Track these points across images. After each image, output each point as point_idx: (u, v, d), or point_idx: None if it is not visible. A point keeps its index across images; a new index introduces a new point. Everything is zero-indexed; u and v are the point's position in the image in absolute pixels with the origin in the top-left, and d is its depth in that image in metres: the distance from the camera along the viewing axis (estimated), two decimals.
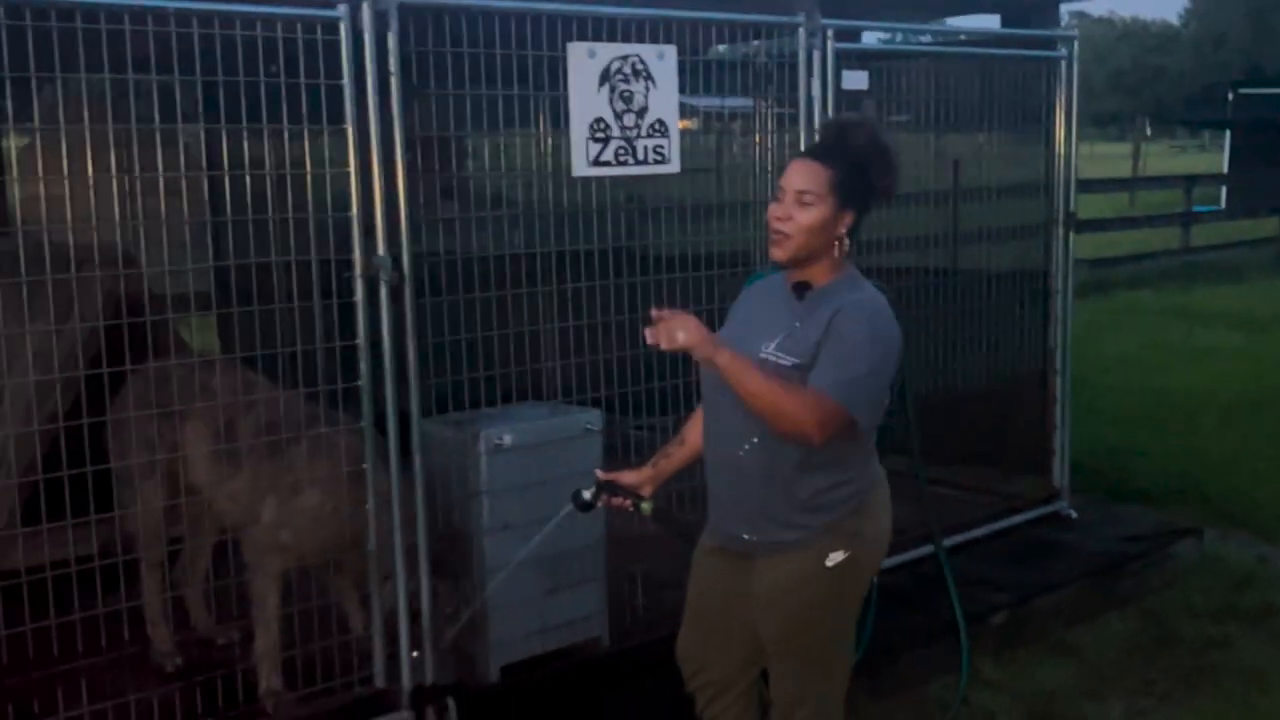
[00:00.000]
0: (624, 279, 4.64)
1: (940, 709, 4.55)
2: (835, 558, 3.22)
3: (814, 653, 3.35)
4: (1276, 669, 4.96)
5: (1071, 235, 6.09)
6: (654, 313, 3.12)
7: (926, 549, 4.71)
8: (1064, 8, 6.64)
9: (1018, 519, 6.09)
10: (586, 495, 3.54)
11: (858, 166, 3.18)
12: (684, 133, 4.85)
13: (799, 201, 3.14)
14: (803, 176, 3.16)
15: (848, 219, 3.19)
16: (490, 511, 4.29)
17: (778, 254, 3.19)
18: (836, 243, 3.20)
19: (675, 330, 3.06)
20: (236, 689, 4.03)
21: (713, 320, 3.47)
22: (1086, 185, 19.56)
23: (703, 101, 5.42)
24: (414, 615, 4.10)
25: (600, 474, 3.55)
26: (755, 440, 3.19)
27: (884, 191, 3.26)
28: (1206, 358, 10.60)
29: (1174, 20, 72.92)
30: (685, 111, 5.65)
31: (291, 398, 4.25)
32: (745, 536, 3.32)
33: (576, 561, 4.49)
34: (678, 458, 3.56)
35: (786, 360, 3.13)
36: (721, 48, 6.04)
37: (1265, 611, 5.57)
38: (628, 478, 3.53)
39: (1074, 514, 6.25)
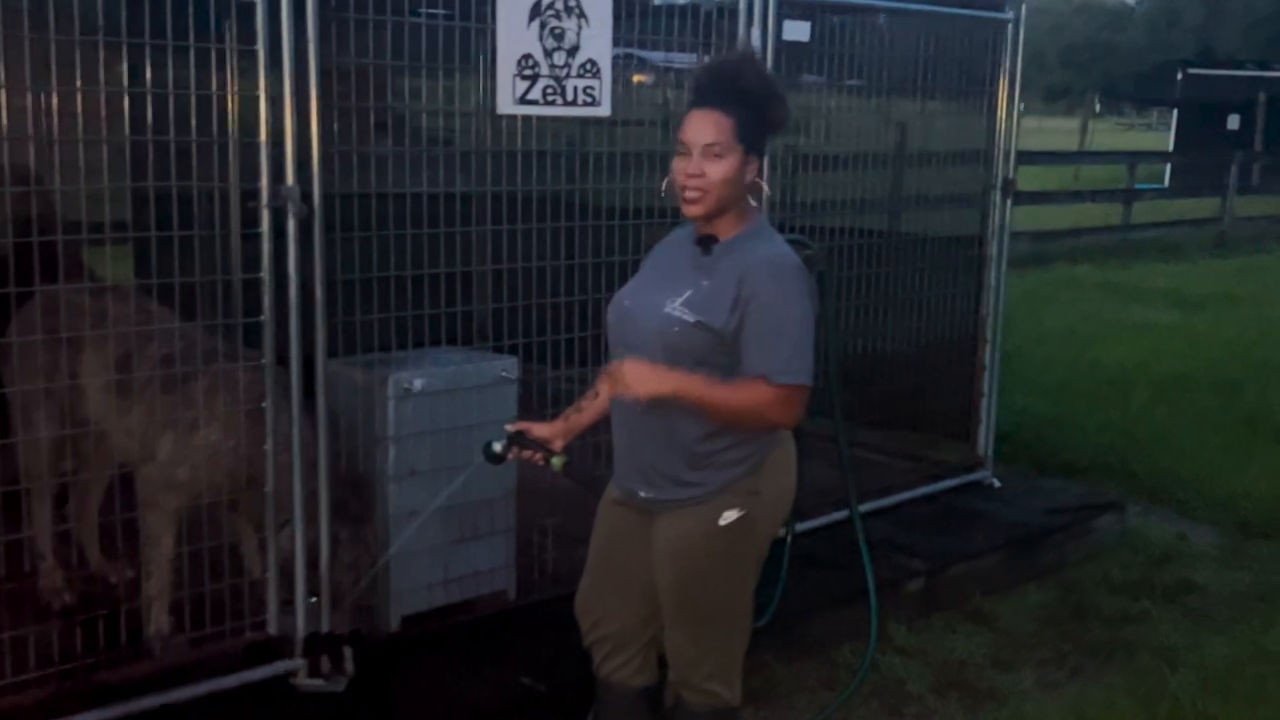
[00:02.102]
0: (548, 224, 4.50)
1: (850, 673, 4.49)
2: (730, 516, 3.14)
3: (709, 612, 3.25)
4: (1188, 645, 4.95)
5: (1009, 204, 6.00)
6: (605, 373, 3.11)
7: (846, 512, 4.63)
8: None
9: (940, 486, 6.04)
10: (497, 447, 3.42)
11: (754, 108, 3.07)
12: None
13: (708, 155, 3.03)
14: (708, 128, 3.03)
15: (754, 165, 3.09)
16: (396, 458, 4.16)
17: (694, 211, 3.09)
18: (748, 191, 3.12)
19: (630, 383, 2.98)
20: (122, 630, 3.88)
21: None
22: (1030, 157, 19.63)
23: (655, 55, 5.27)
24: (312, 561, 3.96)
25: (510, 426, 3.42)
26: None
27: (775, 127, 3.16)
28: (1141, 334, 10.62)
29: None
30: (639, 66, 5.51)
31: (192, 330, 4.08)
32: (642, 494, 3.23)
33: (485, 512, 4.37)
34: (590, 411, 3.44)
35: (690, 317, 3.05)
36: None
37: (1181, 588, 5.56)
38: (539, 430, 3.41)
39: (997, 483, 6.21)
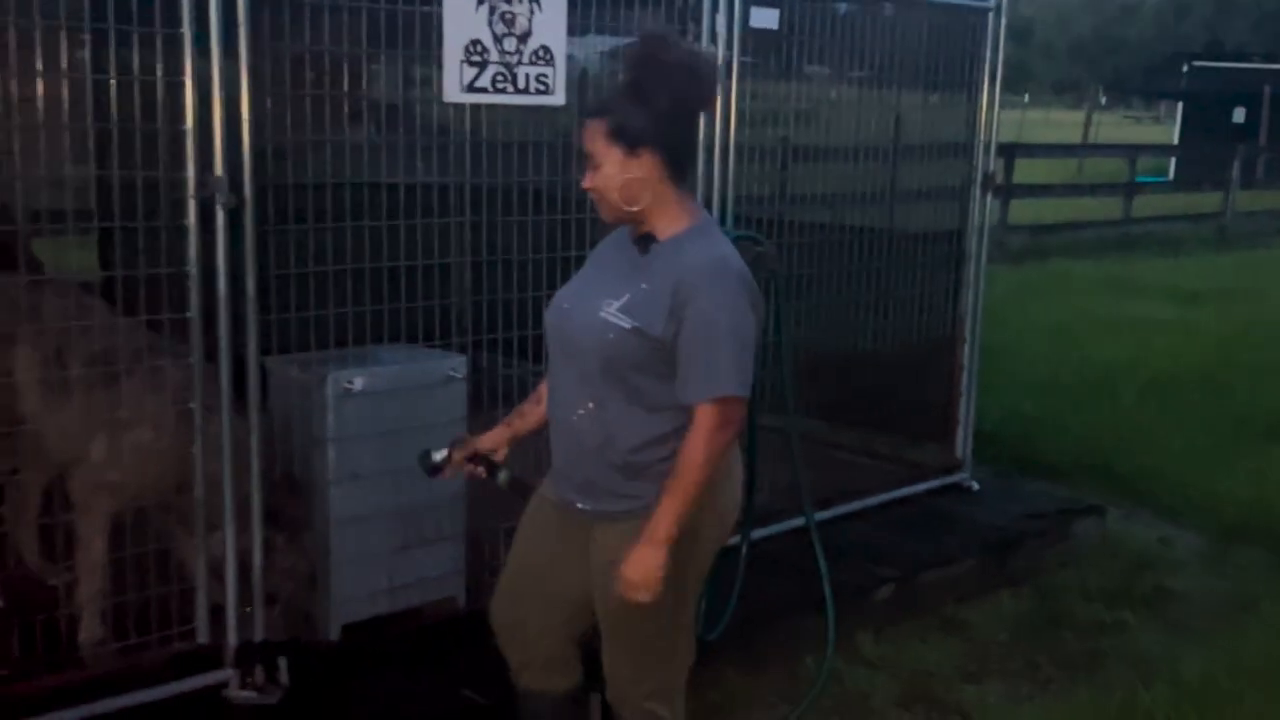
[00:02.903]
0: (499, 217, 4.35)
1: (812, 684, 4.33)
2: None
3: (649, 629, 3.09)
4: (1165, 657, 4.78)
5: (989, 199, 5.83)
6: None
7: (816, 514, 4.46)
8: None
9: (917, 488, 5.89)
10: (436, 457, 3.27)
11: (636, 98, 2.87)
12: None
13: (589, 165, 2.93)
14: (585, 139, 2.93)
15: (648, 160, 2.88)
16: (337, 460, 4.00)
17: (604, 218, 3.01)
18: (664, 187, 2.92)
19: (638, 586, 2.89)
20: (60, 634, 3.74)
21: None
22: (1031, 150, 19.54)
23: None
24: (245, 568, 3.81)
25: (453, 439, 3.30)
26: (590, 406, 2.97)
27: (683, 107, 2.93)
28: (1133, 330, 10.43)
29: None
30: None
31: (128, 326, 3.93)
32: (579, 505, 3.07)
33: (432, 517, 4.22)
34: (533, 416, 3.30)
35: (627, 323, 2.89)
36: None
37: (1160, 596, 5.40)
38: (484, 442, 3.26)
39: (975, 486, 6.05)
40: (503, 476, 3.25)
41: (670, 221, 2.94)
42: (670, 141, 2.91)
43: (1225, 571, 5.73)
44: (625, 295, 2.92)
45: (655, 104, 2.85)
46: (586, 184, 2.95)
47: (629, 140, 2.87)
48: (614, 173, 2.89)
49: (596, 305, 2.94)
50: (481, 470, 3.25)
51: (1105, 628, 5.07)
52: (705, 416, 2.86)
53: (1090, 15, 68.15)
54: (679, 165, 2.97)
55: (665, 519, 2.86)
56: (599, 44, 5.77)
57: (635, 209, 2.92)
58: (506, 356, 4.46)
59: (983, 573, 5.36)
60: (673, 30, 2.93)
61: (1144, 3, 68.96)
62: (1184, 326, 10.76)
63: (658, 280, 2.89)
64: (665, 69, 2.86)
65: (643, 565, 2.87)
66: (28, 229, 4.00)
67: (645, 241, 2.96)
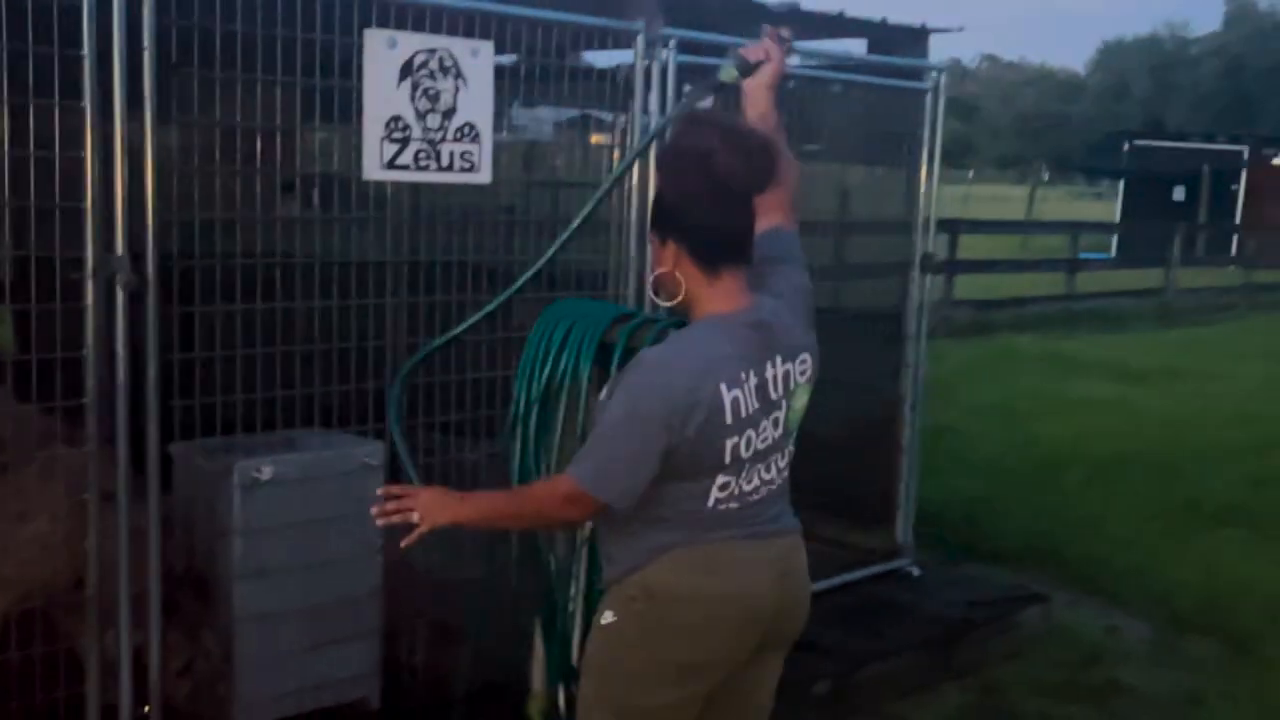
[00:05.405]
0: (421, 297, 4.18)
1: None
2: (607, 617, 2.80)
3: (581, 706, 2.90)
4: None
5: (929, 278, 5.74)
6: (381, 495, 2.79)
7: None
8: (938, 40, 6.31)
9: (857, 575, 5.71)
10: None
11: (660, 187, 2.77)
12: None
13: None
14: None
15: (669, 250, 2.71)
16: (243, 553, 3.79)
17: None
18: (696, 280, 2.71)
19: (422, 514, 2.73)
20: None
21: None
22: (975, 226, 19.70)
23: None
24: (140, 668, 3.58)
25: None
26: None
27: (699, 197, 2.67)
28: (1079, 409, 10.36)
29: (1080, 69, 74.44)
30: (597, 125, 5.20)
31: (23, 412, 3.72)
32: None
33: (345, 613, 3.99)
34: None
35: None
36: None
37: (1109, 690, 5.23)
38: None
39: (917, 572, 5.89)
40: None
41: (700, 315, 2.76)
42: (689, 233, 2.69)
43: (1175, 663, 5.57)
44: None
45: (667, 194, 2.72)
46: None
47: (659, 228, 2.74)
48: (654, 258, 2.78)
49: None
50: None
51: None
52: (563, 483, 2.69)
53: (1034, 92, 69.47)
54: (707, 256, 2.70)
55: (478, 497, 2.86)
56: (552, 116, 5.65)
57: (672, 303, 2.77)
58: (444, 436, 4.29)
59: (925, 666, 5.18)
60: (710, 114, 2.75)
61: (1086, 81, 70.41)
62: (1129, 406, 10.71)
63: None
64: (680, 157, 2.71)
65: (434, 498, 2.76)
66: None
67: None
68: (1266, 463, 8.61)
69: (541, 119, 6.05)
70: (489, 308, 3.42)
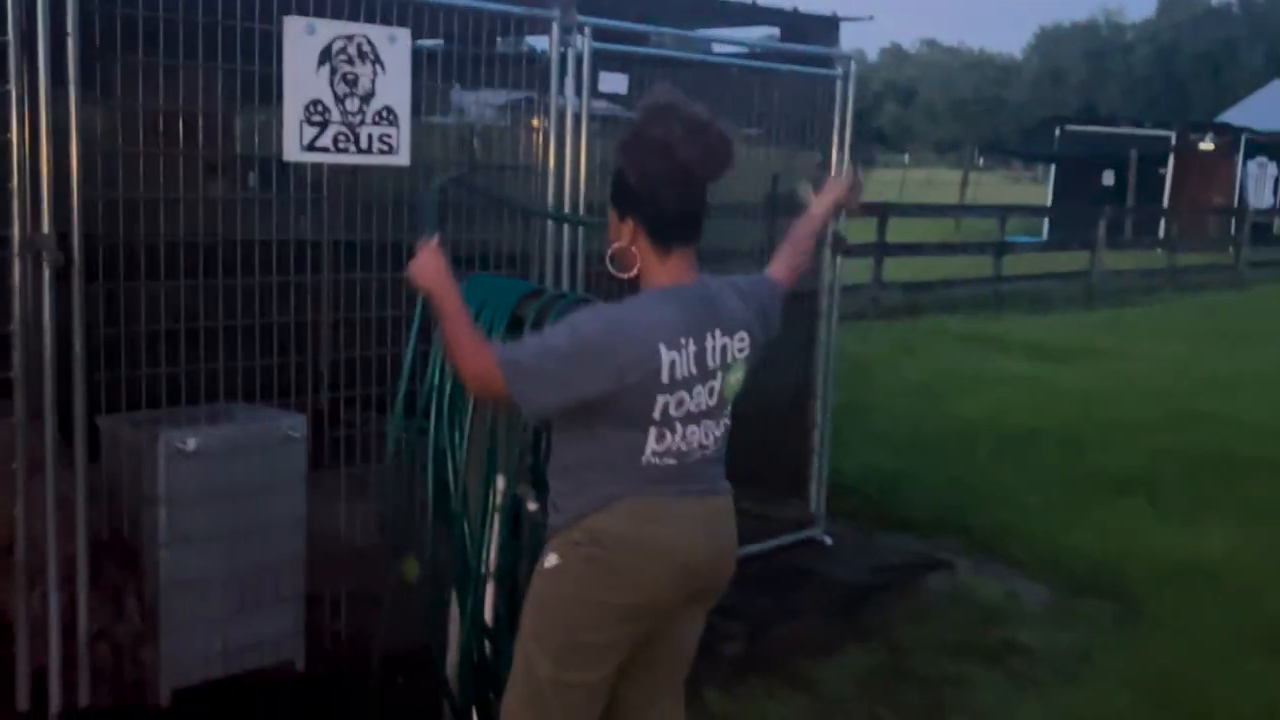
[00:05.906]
0: (342, 275, 4.34)
1: None
2: (551, 560, 2.98)
3: (520, 643, 3.08)
4: (1004, 711, 4.87)
5: (839, 259, 5.96)
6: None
7: None
8: (852, 28, 6.53)
9: (770, 544, 5.95)
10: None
11: (621, 166, 2.95)
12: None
13: None
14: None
15: (628, 226, 2.92)
16: (168, 522, 3.94)
17: None
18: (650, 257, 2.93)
19: (413, 270, 3.00)
20: None
21: None
22: (904, 210, 20.02)
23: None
24: (67, 631, 3.73)
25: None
26: None
27: (658, 180, 2.88)
28: (997, 387, 10.67)
29: (1018, 54, 75.26)
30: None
31: None
32: None
33: (269, 578, 4.16)
34: None
35: None
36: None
37: (1005, 649, 5.49)
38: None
39: (828, 541, 6.13)
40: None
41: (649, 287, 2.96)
42: (645, 212, 2.89)
43: (1069, 624, 5.84)
44: None
45: (630, 175, 2.90)
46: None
47: (617, 205, 2.93)
48: (611, 236, 2.96)
49: None
50: None
51: (950, 680, 5.14)
52: (489, 357, 2.87)
53: (972, 77, 70.20)
54: (663, 235, 2.92)
55: (455, 301, 2.94)
56: (493, 98, 5.77)
57: (626, 275, 2.94)
58: (365, 412, 4.45)
59: (833, 628, 5.41)
60: (676, 103, 2.93)
61: (1022, 67, 71.20)
62: (1046, 384, 11.04)
63: None
64: (646, 143, 2.88)
65: (431, 265, 2.98)
66: None
67: None
68: (1170, 437, 8.96)
69: (486, 102, 6.19)
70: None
